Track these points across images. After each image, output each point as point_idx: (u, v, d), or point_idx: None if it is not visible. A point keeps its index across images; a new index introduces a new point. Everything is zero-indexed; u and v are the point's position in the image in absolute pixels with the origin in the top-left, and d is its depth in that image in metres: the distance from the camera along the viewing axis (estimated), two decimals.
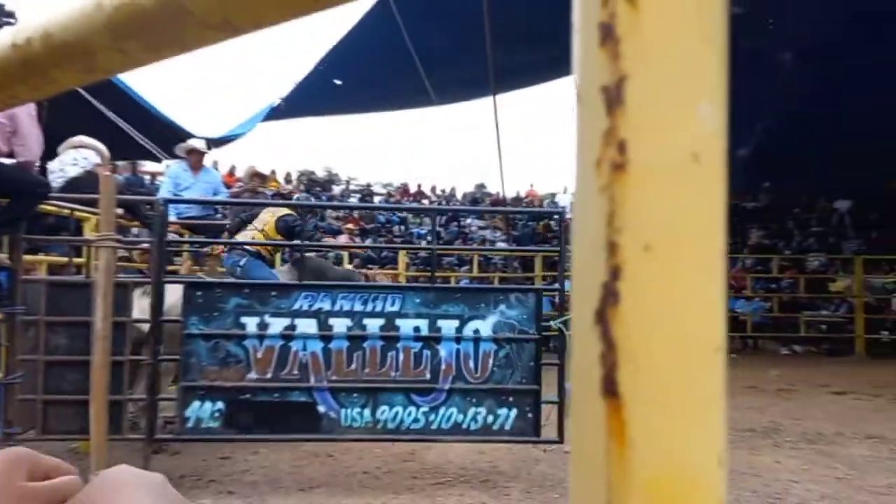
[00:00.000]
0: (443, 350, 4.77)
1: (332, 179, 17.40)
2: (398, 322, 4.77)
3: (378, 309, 4.73)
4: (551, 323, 5.16)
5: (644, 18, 0.29)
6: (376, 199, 17.25)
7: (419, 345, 4.78)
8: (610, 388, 0.28)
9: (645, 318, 0.29)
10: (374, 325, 4.75)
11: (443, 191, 18.84)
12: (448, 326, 4.77)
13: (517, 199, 18.29)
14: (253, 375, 4.59)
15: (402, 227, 16.46)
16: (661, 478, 0.27)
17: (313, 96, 14.17)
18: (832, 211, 17.00)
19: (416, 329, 4.77)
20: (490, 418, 4.78)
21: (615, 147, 0.29)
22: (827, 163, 16.57)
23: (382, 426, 4.74)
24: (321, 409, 4.68)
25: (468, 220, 16.55)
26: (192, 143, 8.45)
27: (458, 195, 18.80)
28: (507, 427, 4.79)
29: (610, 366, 0.28)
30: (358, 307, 4.73)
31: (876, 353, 13.09)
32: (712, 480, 0.27)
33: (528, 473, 5.06)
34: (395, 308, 4.75)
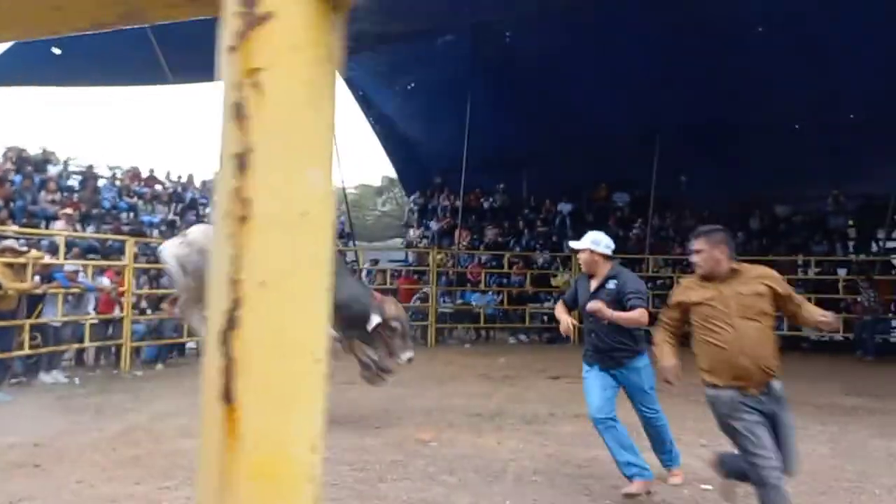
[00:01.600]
0: None
1: (47, 159, 15.52)
2: None
3: None
4: None
5: (267, 102, 0.37)
6: (101, 183, 15.80)
7: None
8: (227, 396, 0.36)
9: (259, 339, 0.37)
10: None
11: (179, 177, 17.70)
12: None
13: None
14: None
15: (132, 215, 15.28)
16: (264, 463, 0.35)
17: (26, 64, 12.76)
18: (556, 213, 18.72)
19: None
20: None
21: (241, 203, 0.37)
22: (552, 169, 18.31)
23: None
24: None
25: (209, 210, 15.87)
26: None
27: (196, 182, 17.86)
28: None
29: (229, 377, 0.36)
30: None
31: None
32: (307, 462, 0.37)
33: None
34: None
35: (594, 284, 4.88)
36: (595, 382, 4.81)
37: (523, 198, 19.65)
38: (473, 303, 15.27)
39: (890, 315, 13.85)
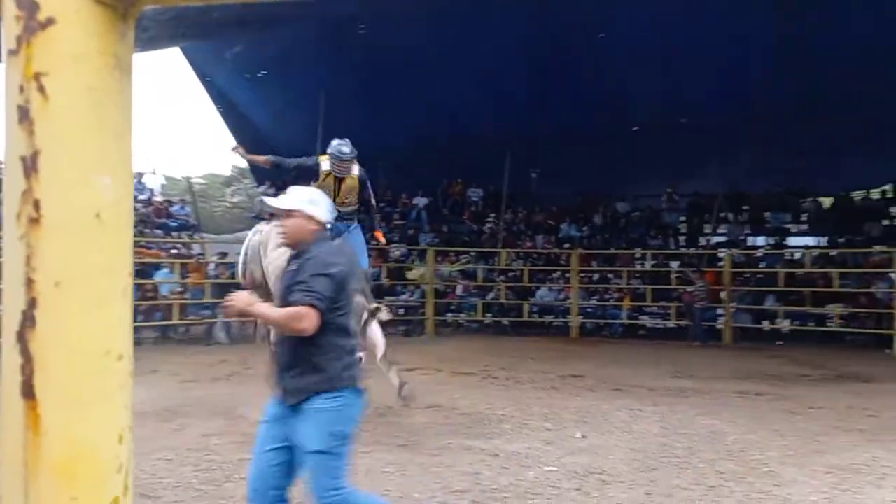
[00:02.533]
0: None
1: None
2: None
3: None
4: None
5: (53, 107, 0.38)
6: None
7: None
8: (27, 392, 0.37)
9: (56, 337, 0.38)
10: None
11: None
12: None
13: None
14: None
15: None
16: (69, 455, 0.37)
17: None
18: (412, 206, 18.86)
19: None
20: None
21: (31, 204, 0.38)
22: (408, 163, 18.48)
23: None
24: None
25: None
26: None
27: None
28: None
29: (28, 374, 0.37)
30: None
31: (441, 333, 14.99)
32: (114, 453, 0.38)
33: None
34: None
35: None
36: (262, 433, 3.11)
37: (377, 191, 19.67)
38: None
39: (717, 304, 15.06)
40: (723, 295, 14.23)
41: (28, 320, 0.39)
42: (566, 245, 16.52)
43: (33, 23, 0.38)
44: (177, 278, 13.16)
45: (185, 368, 9.35)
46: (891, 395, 7.98)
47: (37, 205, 0.39)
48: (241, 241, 21.55)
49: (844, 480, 4.76)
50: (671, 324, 14.69)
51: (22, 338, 0.39)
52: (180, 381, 8.29)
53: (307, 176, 7.10)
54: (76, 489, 0.39)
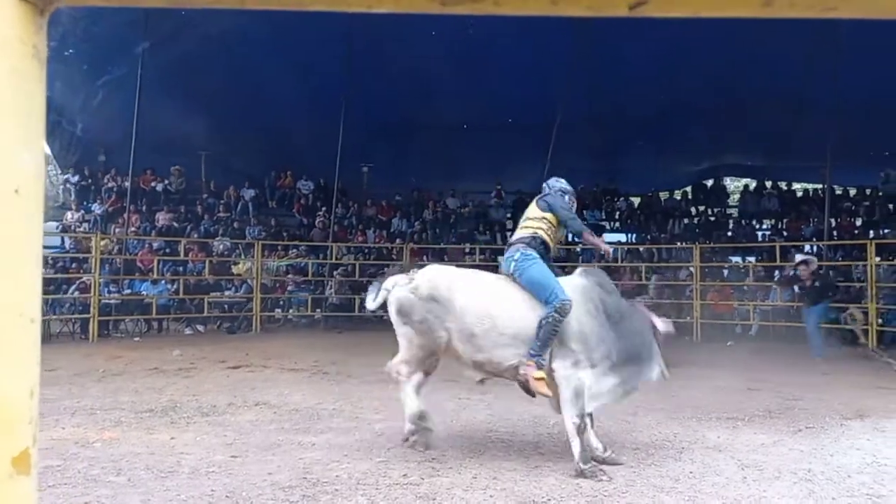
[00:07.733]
0: None
1: None
2: None
3: None
4: None
5: None
6: None
7: None
8: None
9: None
10: None
11: None
12: None
13: None
14: None
15: None
16: None
17: None
18: (238, 198, 18.31)
19: None
20: None
21: None
22: (234, 153, 17.95)
23: None
24: None
25: None
26: None
27: None
28: None
29: None
30: None
31: (269, 329, 14.71)
32: (26, 406, 0.42)
33: None
34: None
35: None
36: None
37: (202, 182, 18.92)
38: (144, 292, 14.32)
39: None
40: None
41: None
42: (398, 240, 16.76)
43: None
44: None
45: None
46: (688, 378, 8.85)
47: None
48: (45, 234, 19.85)
49: (650, 455, 5.23)
50: None
51: None
52: None
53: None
54: None
